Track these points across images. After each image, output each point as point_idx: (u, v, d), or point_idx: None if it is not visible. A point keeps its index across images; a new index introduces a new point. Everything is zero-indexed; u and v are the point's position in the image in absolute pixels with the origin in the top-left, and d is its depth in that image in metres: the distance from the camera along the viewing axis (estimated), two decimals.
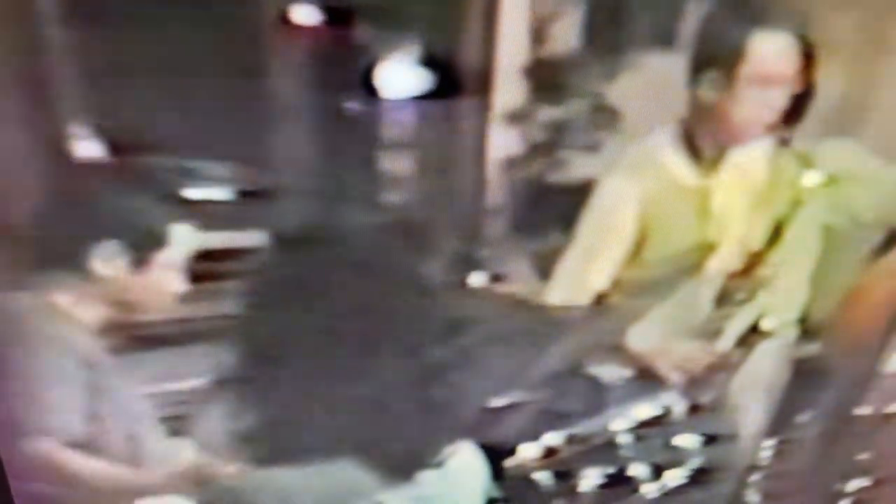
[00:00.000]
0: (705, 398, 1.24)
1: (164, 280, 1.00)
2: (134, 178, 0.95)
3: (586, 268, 1.10)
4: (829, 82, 1.06)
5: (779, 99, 1.05)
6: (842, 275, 1.22)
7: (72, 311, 0.99)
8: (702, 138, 1.08)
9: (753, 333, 1.22)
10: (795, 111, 1.06)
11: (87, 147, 0.93)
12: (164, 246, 0.98)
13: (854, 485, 1.38)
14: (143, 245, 0.98)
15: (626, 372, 1.19)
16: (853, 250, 1.21)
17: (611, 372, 1.19)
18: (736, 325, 1.21)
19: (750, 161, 1.10)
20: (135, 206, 0.96)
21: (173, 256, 0.99)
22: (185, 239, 0.99)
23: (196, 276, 1.04)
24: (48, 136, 0.92)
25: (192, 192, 0.99)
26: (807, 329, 1.25)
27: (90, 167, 0.95)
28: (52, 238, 0.95)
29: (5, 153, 0.91)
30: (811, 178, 1.12)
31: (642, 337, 1.17)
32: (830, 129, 1.10)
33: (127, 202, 0.96)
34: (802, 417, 1.32)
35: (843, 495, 1.38)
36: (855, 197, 1.15)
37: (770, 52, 1.02)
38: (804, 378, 1.28)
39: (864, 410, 1.32)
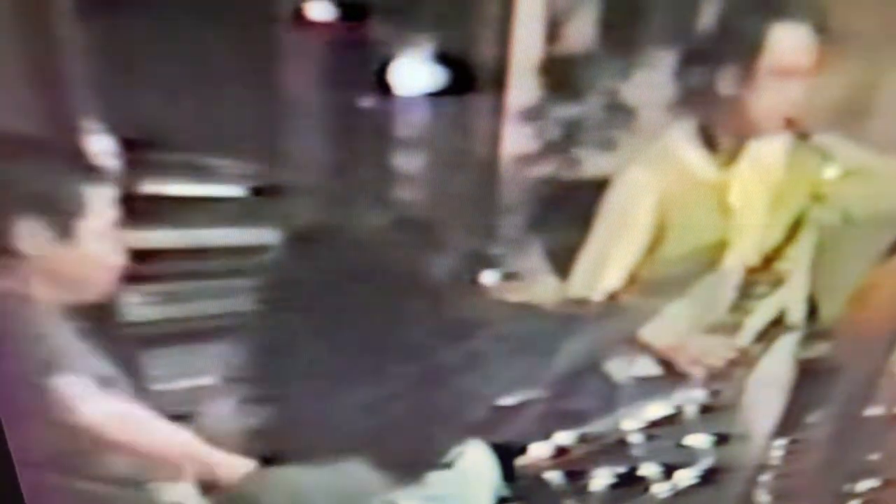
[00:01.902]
0: (723, 394, 1.24)
1: (97, 251, 0.97)
2: (48, 154, 0.94)
3: (604, 262, 1.09)
4: (842, 76, 1.06)
5: (797, 91, 1.05)
6: (850, 274, 1.22)
7: (23, 293, 0.97)
8: (719, 132, 1.08)
9: (773, 328, 1.22)
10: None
11: (99, 142, 0.92)
12: (85, 214, 0.95)
13: (864, 485, 1.38)
14: (64, 215, 0.95)
15: (644, 366, 1.19)
16: (860, 249, 1.21)
17: (627, 366, 1.19)
18: (756, 320, 1.21)
19: (768, 155, 1.10)
20: (47, 178, 0.94)
21: (98, 224, 0.96)
22: (106, 205, 0.96)
23: (208, 274, 1.04)
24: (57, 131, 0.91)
25: (205, 189, 0.98)
26: (816, 329, 1.25)
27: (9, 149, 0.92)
28: None
29: None
30: (830, 173, 1.12)
31: (661, 333, 1.17)
32: (838, 123, 1.10)
33: (40, 176, 0.94)
34: (812, 418, 1.32)
35: (853, 496, 1.38)
36: (847, 193, 1.15)
37: (789, 44, 1.02)
38: (814, 378, 1.28)
39: (874, 411, 1.32)
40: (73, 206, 0.95)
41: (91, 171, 0.94)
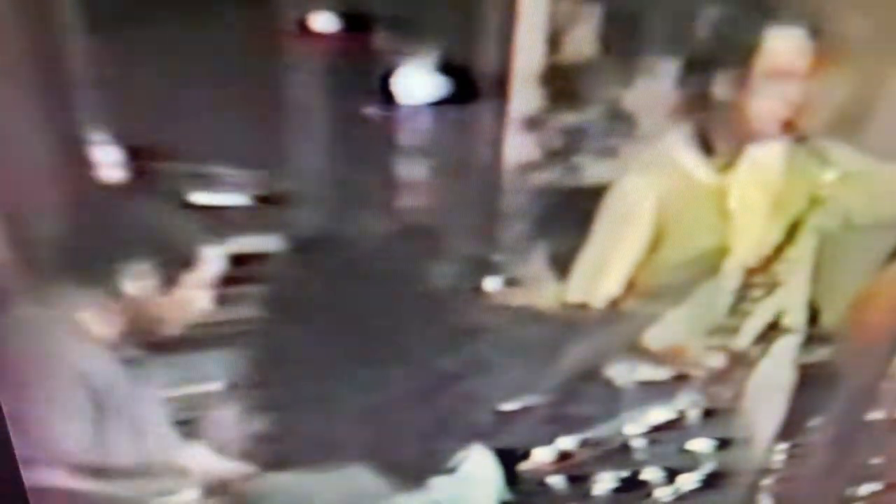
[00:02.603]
0: (722, 398, 1.24)
1: (191, 299, 1.00)
2: (163, 197, 0.96)
3: (602, 267, 1.10)
4: (840, 80, 1.06)
5: (793, 93, 1.05)
6: (851, 279, 1.23)
7: (89, 326, 0.99)
8: (717, 136, 1.08)
9: (772, 330, 1.23)
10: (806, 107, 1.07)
11: (105, 153, 0.93)
12: (195, 266, 0.98)
13: (866, 489, 1.38)
14: (174, 265, 0.98)
15: (646, 370, 1.20)
16: (861, 255, 1.21)
17: (629, 371, 1.20)
18: (754, 322, 1.21)
19: (766, 158, 1.10)
20: (167, 226, 0.97)
21: (202, 277, 0.99)
22: (215, 260, 0.99)
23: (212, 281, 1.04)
24: (67, 143, 0.92)
25: (210, 198, 0.99)
26: (818, 333, 1.25)
27: (117, 183, 0.95)
28: (79, 255, 0.95)
29: (25, 160, 0.92)
30: (828, 176, 1.13)
31: (661, 336, 1.17)
32: (836, 128, 1.10)
33: (158, 222, 0.97)
34: (814, 422, 1.32)
35: (855, 500, 1.39)
36: (849, 199, 1.16)
37: (785, 46, 1.03)
38: (816, 382, 1.29)
39: (876, 415, 1.32)
40: (187, 258, 0.98)
41: (212, 230, 0.97)
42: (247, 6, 0.89)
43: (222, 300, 1.03)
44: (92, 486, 1.06)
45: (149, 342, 1.02)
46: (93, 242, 0.96)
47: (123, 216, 0.95)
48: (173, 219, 0.96)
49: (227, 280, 1.02)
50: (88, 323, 0.99)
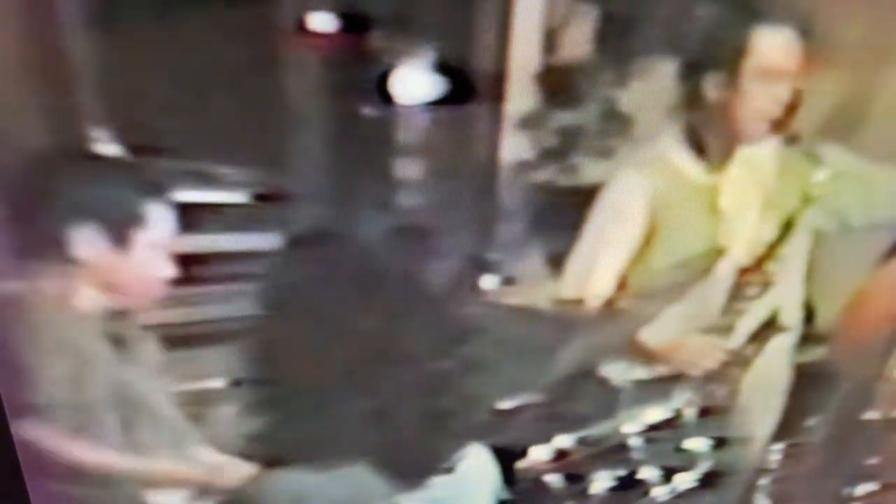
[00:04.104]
0: (718, 396, 1.25)
1: (150, 262, 1.00)
2: (111, 167, 0.96)
3: (595, 264, 1.11)
4: (830, 81, 1.07)
5: (783, 94, 1.06)
6: (846, 279, 1.23)
7: (66, 298, 1.00)
8: (709, 136, 1.09)
9: (765, 329, 1.23)
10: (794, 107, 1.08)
11: (105, 149, 0.94)
12: (144, 226, 0.98)
13: (862, 489, 1.38)
14: (122, 225, 0.98)
15: (642, 369, 1.20)
16: (856, 254, 1.22)
17: (625, 370, 1.20)
18: (747, 322, 1.22)
19: (758, 158, 1.11)
20: (112, 190, 0.97)
21: (155, 236, 0.99)
22: (164, 219, 0.99)
23: (211, 279, 1.05)
24: (61, 136, 0.93)
25: (208, 196, 1.00)
26: (813, 332, 1.26)
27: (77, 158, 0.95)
28: (32, 225, 0.96)
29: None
30: (819, 175, 1.13)
31: (656, 335, 1.18)
32: (828, 128, 1.11)
33: (105, 187, 0.97)
34: (811, 422, 1.32)
35: (851, 500, 1.38)
36: (843, 200, 1.16)
37: (774, 46, 1.04)
38: (812, 382, 1.29)
39: (871, 415, 1.32)
40: (132, 218, 0.98)
41: (153, 186, 0.97)
42: (245, 6, 0.90)
43: (220, 297, 1.04)
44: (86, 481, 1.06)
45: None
46: (34, 208, 0.96)
47: (65, 181, 0.95)
48: (110, 176, 0.97)
49: (226, 277, 1.03)
50: (63, 295, 0.99)
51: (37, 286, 0.98)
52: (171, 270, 1.00)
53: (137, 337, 1.05)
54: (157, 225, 0.99)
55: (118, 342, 1.03)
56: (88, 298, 1.00)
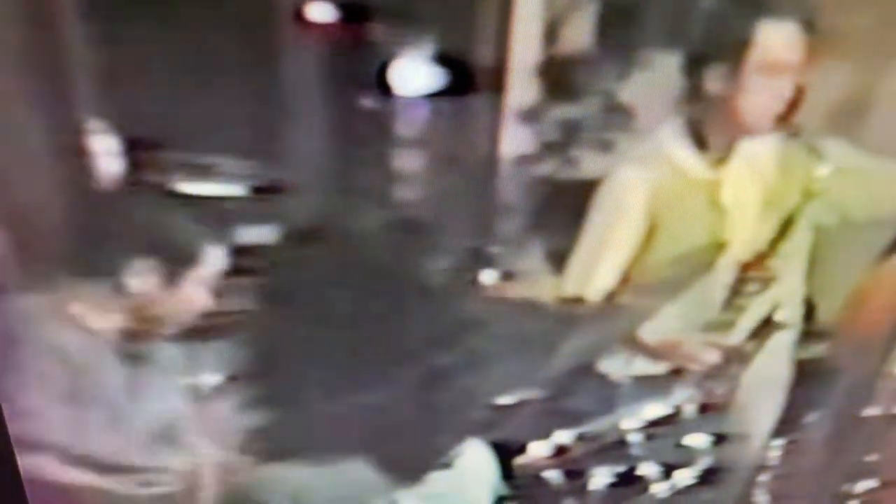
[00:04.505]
0: (717, 393, 1.24)
1: (192, 296, 1.00)
2: (164, 194, 0.96)
3: (597, 261, 1.10)
4: (834, 75, 1.07)
5: (785, 88, 1.05)
6: (847, 275, 1.23)
7: (84, 318, 1.00)
8: (710, 131, 1.09)
9: (766, 326, 1.23)
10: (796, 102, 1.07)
11: (103, 142, 0.93)
12: (197, 264, 0.99)
13: (862, 486, 1.38)
14: (177, 263, 0.98)
15: (641, 365, 1.20)
16: (857, 250, 1.21)
17: (625, 365, 1.20)
18: (749, 318, 1.21)
19: (760, 152, 1.10)
20: (170, 224, 0.97)
21: (204, 274, 0.99)
22: (217, 258, 0.99)
23: None
24: (67, 136, 0.93)
25: (206, 188, 0.99)
26: (814, 329, 1.25)
27: (118, 177, 0.95)
28: (82, 248, 0.95)
29: (26, 154, 0.92)
30: (822, 170, 1.13)
31: (656, 331, 1.18)
32: (830, 123, 1.10)
33: (162, 219, 0.97)
34: (810, 418, 1.32)
35: (851, 496, 1.38)
36: (845, 195, 1.16)
37: (777, 40, 1.03)
38: (812, 378, 1.29)
39: (872, 411, 1.32)
40: (191, 256, 0.98)
41: (218, 225, 0.97)
42: None
43: (219, 292, 1.03)
44: (84, 477, 1.06)
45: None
46: (99, 238, 0.96)
47: (128, 213, 0.96)
48: (176, 216, 0.97)
49: (225, 272, 1.02)
50: (87, 316, 0.99)
51: (62, 305, 0.98)
52: (210, 302, 1.01)
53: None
54: (211, 263, 0.99)
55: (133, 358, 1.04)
56: (107, 321, 1.00)
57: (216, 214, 0.98)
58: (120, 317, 1.00)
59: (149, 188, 0.94)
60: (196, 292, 1.01)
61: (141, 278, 0.98)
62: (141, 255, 0.98)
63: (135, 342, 1.03)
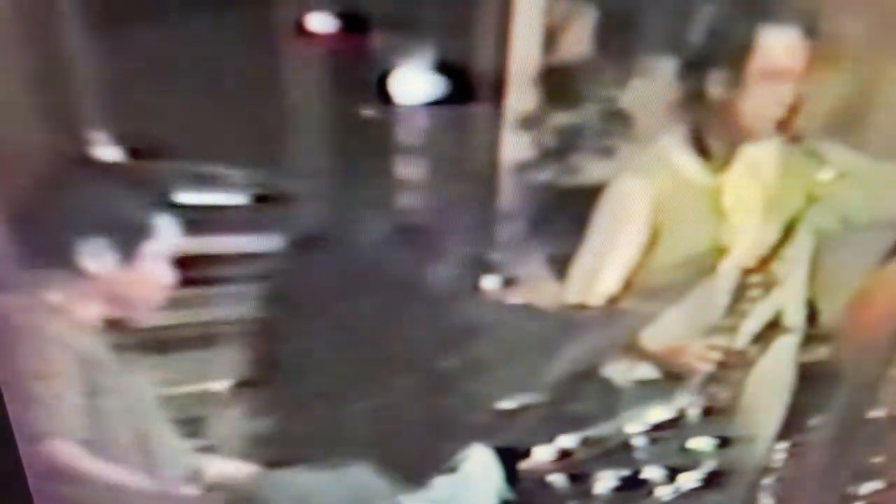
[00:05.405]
0: (721, 398, 1.25)
1: (154, 272, 1.00)
2: (120, 177, 0.96)
3: (599, 268, 1.10)
4: (835, 80, 1.07)
5: (787, 93, 1.05)
6: (850, 277, 1.23)
7: (68, 309, 1.00)
8: (712, 137, 1.09)
9: (770, 330, 1.23)
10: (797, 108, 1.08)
11: (105, 153, 0.94)
12: (151, 238, 0.99)
13: (867, 488, 1.38)
14: (131, 238, 0.98)
15: (645, 369, 1.20)
16: (859, 253, 1.21)
17: (628, 370, 1.20)
18: (751, 322, 1.21)
19: (761, 158, 1.10)
20: (119, 202, 0.97)
21: (160, 247, 0.99)
22: (170, 227, 0.99)
23: (211, 280, 1.05)
24: (60, 139, 0.93)
25: (208, 198, 0.99)
26: (817, 332, 1.25)
27: (85, 169, 0.95)
28: (39, 236, 0.96)
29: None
30: (824, 175, 1.13)
31: (658, 336, 1.18)
32: (832, 128, 1.10)
33: (112, 199, 0.97)
34: (814, 421, 1.32)
35: (856, 498, 1.38)
36: (847, 199, 1.16)
37: (779, 46, 1.03)
38: (816, 381, 1.29)
39: (877, 413, 1.32)
40: (142, 230, 0.98)
41: (161, 194, 0.98)
42: (244, 6, 0.90)
43: (221, 299, 1.04)
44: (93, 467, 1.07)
45: (149, 337, 1.03)
46: (48, 222, 0.96)
47: (73, 193, 0.96)
48: (120, 190, 0.97)
49: (226, 279, 1.03)
50: (67, 306, 1.00)
51: (40, 299, 0.98)
52: (172, 276, 1.01)
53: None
54: (164, 235, 0.99)
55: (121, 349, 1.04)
56: (87, 309, 1.01)
57: (153, 182, 0.97)
58: (94, 303, 1.00)
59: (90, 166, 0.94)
60: (156, 267, 1.00)
61: (97, 259, 0.98)
62: (92, 235, 0.97)
63: (120, 332, 1.03)
